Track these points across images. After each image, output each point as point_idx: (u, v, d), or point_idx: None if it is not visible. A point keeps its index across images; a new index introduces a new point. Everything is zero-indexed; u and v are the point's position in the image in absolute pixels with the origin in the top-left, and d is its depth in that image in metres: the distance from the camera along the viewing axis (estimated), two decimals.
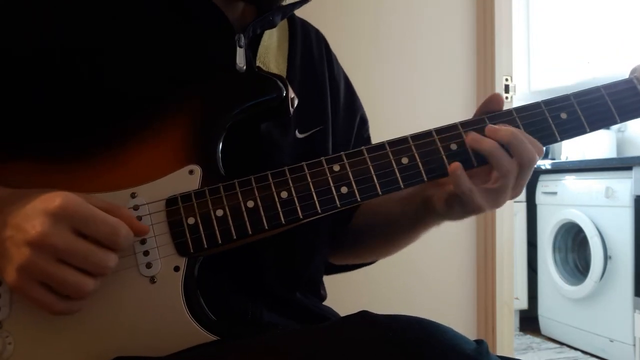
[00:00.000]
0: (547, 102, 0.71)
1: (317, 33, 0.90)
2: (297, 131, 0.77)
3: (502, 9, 1.99)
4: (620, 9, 3.10)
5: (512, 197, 0.71)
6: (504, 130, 0.67)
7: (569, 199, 2.99)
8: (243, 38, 0.73)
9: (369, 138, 0.94)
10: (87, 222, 0.56)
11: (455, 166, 0.66)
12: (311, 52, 0.85)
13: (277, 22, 0.78)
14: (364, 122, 0.93)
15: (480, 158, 0.68)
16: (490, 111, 0.71)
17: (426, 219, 0.79)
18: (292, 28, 0.84)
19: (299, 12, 0.84)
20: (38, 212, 0.55)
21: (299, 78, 0.75)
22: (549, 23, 3.54)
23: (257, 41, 0.77)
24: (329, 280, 0.88)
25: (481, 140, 0.67)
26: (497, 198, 0.69)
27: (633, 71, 0.75)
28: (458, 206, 0.71)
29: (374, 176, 0.66)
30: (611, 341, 2.75)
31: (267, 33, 0.78)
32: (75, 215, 0.55)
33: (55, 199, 0.55)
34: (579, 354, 2.94)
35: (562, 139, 0.71)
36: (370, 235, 0.89)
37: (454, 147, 0.68)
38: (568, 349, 3.02)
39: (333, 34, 1.72)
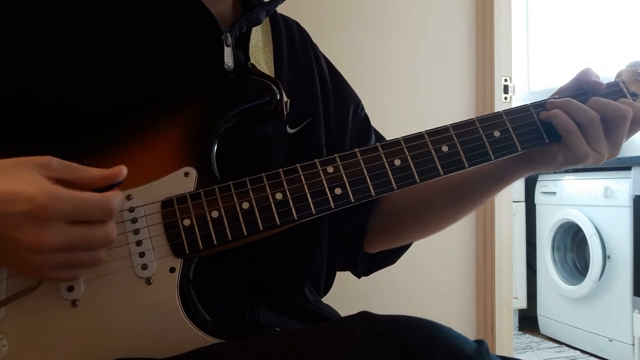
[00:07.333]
0: (536, 105, 0.74)
1: (298, 26, 0.90)
2: (287, 127, 0.77)
3: (502, 9, 1.99)
4: (619, 10, 3.10)
5: (610, 156, 0.81)
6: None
7: (568, 198, 2.99)
8: (230, 37, 0.73)
9: (366, 117, 0.93)
10: (76, 212, 0.54)
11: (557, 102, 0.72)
12: (295, 46, 0.86)
13: (262, 18, 0.78)
14: (357, 107, 0.91)
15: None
16: (584, 88, 0.77)
17: (517, 168, 0.79)
18: (274, 25, 0.84)
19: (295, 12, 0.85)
20: (21, 216, 0.52)
21: (287, 74, 0.75)
22: (548, 24, 3.54)
23: (246, 40, 0.77)
24: None
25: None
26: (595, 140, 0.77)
27: (619, 75, 0.76)
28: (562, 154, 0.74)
29: (367, 177, 0.66)
30: (610, 340, 2.75)
31: (253, 31, 0.79)
32: (61, 210, 0.53)
33: (33, 199, 0.51)
34: (578, 353, 2.94)
35: (550, 141, 0.73)
36: (431, 205, 0.87)
37: (445, 149, 0.68)
38: (567, 348, 3.02)
39: (332, 33, 1.73)
